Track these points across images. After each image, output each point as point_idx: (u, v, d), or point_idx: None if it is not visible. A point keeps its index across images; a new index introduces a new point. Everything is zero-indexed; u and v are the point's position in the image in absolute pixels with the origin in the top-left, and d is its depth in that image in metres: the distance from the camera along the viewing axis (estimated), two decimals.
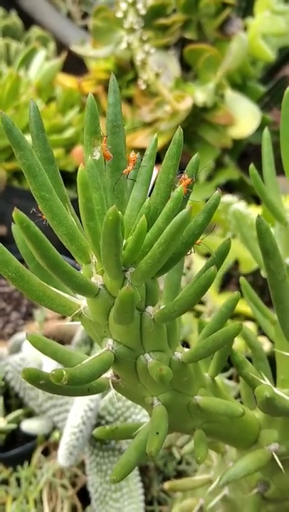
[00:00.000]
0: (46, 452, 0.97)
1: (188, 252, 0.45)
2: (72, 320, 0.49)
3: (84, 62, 1.58)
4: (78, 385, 0.43)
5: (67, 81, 1.48)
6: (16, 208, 0.35)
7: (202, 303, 1.12)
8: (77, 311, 0.46)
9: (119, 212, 0.38)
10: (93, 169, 0.41)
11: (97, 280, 0.44)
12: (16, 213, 0.35)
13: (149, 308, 0.46)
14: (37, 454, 0.95)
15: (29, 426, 0.94)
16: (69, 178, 1.38)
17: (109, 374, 0.50)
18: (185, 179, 0.43)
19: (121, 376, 0.50)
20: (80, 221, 0.44)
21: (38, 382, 0.42)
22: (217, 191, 0.42)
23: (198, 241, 0.45)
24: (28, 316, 1.19)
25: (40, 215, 0.44)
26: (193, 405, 0.52)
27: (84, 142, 0.43)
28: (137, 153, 0.46)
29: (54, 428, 0.96)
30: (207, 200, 0.44)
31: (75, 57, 1.53)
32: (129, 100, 1.44)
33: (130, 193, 0.45)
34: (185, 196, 0.43)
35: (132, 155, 0.44)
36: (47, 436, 0.96)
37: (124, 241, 0.43)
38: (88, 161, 0.41)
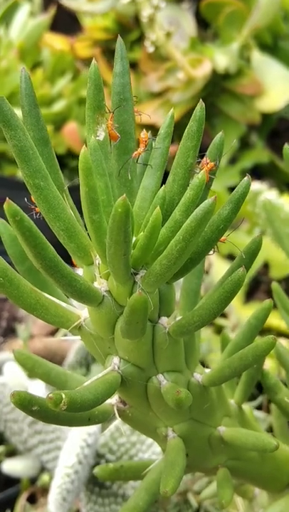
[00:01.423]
0: (32, 499, 0.98)
1: (211, 252, 0.46)
2: (65, 335, 0.50)
3: (77, 19, 1.60)
4: (79, 412, 0.44)
5: (57, 42, 1.50)
6: (8, 200, 0.37)
7: (224, 315, 1.14)
8: (76, 323, 0.47)
9: (129, 203, 0.39)
10: (97, 152, 0.42)
11: (101, 285, 0.45)
12: (8, 205, 0.37)
13: (164, 320, 0.47)
14: (21, 502, 0.96)
15: (12, 467, 0.96)
16: (60, 163, 1.40)
17: (114, 400, 0.52)
18: (207, 163, 0.45)
19: (129, 402, 0.51)
20: (81, 214, 0.45)
21: (30, 409, 0.43)
22: (246, 177, 0.44)
23: (223, 238, 0.47)
24: (10, 332, 1.20)
25: (32, 206, 0.45)
26: (216, 438, 0.53)
27: (86, 120, 0.44)
28: (149, 131, 0.47)
29: (42, 469, 0.97)
30: (230, 188, 0.45)
31: (67, 13, 1.55)
32: (133, 66, 1.45)
33: (141, 181, 0.47)
34: (207, 184, 0.45)
35: (144, 134, 0.45)
36: (33, 480, 0.97)
37: (134, 238, 0.45)
38: (91, 143, 0.43)
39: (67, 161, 1.38)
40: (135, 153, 0.46)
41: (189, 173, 0.44)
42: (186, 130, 0.43)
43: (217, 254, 1.22)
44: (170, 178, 0.45)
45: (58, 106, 1.37)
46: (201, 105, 0.42)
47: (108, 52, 1.49)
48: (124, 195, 0.38)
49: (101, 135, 0.44)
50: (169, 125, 0.45)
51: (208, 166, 0.44)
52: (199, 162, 0.45)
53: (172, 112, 0.45)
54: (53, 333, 1.15)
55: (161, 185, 0.45)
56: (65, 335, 1.14)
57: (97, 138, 0.44)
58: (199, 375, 0.51)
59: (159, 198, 0.44)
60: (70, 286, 0.42)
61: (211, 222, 0.44)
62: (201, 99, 0.42)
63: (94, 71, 0.44)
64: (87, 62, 1.51)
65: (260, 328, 0.53)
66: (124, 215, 0.37)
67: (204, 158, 0.46)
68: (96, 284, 0.46)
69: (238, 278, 0.42)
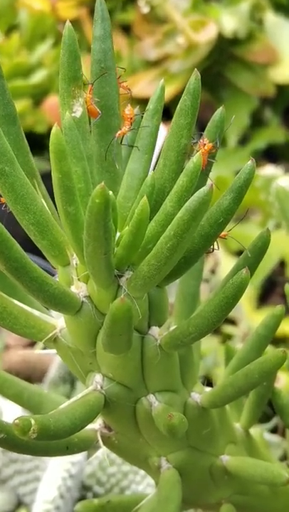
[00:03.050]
0: None
1: (210, 249, 0.45)
2: (45, 347, 0.50)
3: None
4: (53, 440, 0.44)
5: (36, 1, 1.49)
6: None
7: (233, 322, 1.13)
8: (51, 335, 0.47)
9: (111, 193, 0.38)
10: (73, 131, 0.42)
11: (79, 290, 0.45)
12: None
13: (154, 330, 0.47)
14: None
15: None
16: (39, 143, 1.39)
17: (97, 424, 0.51)
18: (204, 144, 0.44)
19: (114, 427, 0.51)
20: (55, 205, 0.45)
21: None
22: (250, 161, 0.43)
23: (224, 233, 0.46)
24: None
25: None
26: (219, 469, 0.53)
27: (60, 92, 0.44)
28: (136, 107, 0.47)
29: (19, 504, 0.97)
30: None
31: None
32: (126, 29, 1.45)
33: (126, 165, 0.46)
34: (204, 169, 0.44)
35: (128, 110, 0.45)
36: None
37: (118, 233, 0.44)
38: (66, 120, 0.42)
39: (47, 141, 1.37)
40: (119, 132, 0.45)
41: (183, 157, 0.44)
42: (178, 105, 0.43)
43: (225, 250, 1.22)
44: (160, 162, 0.45)
45: (38, 77, 1.37)
46: (196, 75, 0.41)
47: None
48: (103, 182, 0.37)
49: (78, 111, 0.44)
50: (158, 99, 0.45)
51: (206, 147, 0.44)
52: (196, 143, 0.45)
53: (162, 83, 0.44)
54: (32, 345, 1.15)
55: (151, 171, 0.45)
56: (45, 348, 1.14)
57: (73, 114, 0.44)
58: (198, 395, 0.51)
59: (147, 186, 0.43)
60: (41, 291, 0.41)
61: (209, 215, 0.43)
62: (196, 70, 0.41)
63: (68, 34, 0.43)
64: (71, 24, 1.50)
65: (270, 338, 0.53)
66: (104, 207, 0.37)
67: (202, 139, 0.45)
68: (73, 289, 0.45)
69: (240, 281, 0.41)
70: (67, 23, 0.42)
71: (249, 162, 0.43)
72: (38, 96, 1.37)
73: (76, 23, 1.47)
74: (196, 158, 0.40)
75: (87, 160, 0.44)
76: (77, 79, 0.44)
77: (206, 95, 1.39)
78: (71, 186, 0.40)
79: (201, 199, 0.38)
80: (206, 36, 1.29)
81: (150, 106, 0.45)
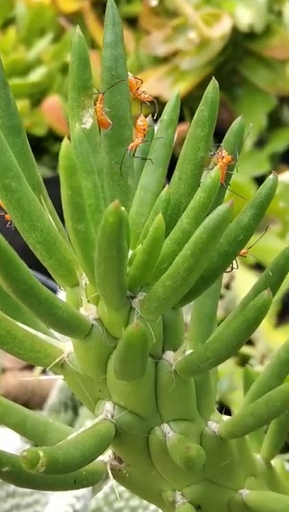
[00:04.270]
0: None
1: (229, 269, 0.47)
2: (44, 371, 0.51)
3: None
4: (62, 474, 0.45)
5: None
6: None
7: (250, 342, 1.14)
8: (58, 360, 0.48)
9: (124, 209, 0.39)
10: (83, 144, 0.43)
11: (88, 312, 0.46)
12: None
13: (169, 355, 0.48)
14: None
15: None
16: (38, 147, 1.41)
17: (107, 456, 0.52)
18: (223, 157, 0.45)
19: (125, 459, 0.52)
20: (63, 222, 0.46)
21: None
22: (272, 175, 0.44)
23: (244, 251, 0.47)
24: None
25: (1, 213, 0.46)
26: (238, 504, 0.53)
27: (69, 103, 0.45)
28: (147, 117, 0.48)
29: None
30: (257, 179, 0.46)
31: None
32: (132, 22, 1.46)
33: (139, 179, 0.47)
34: (224, 184, 0.45)
35: (141, 121, 0.46)
36: None
37: (131, 252, 0.45)
38: (76, 132, 0.43)
39: (47, 144, 1.39)
40: (132, 144, 0.46)
41: (200, 170, 0.45)
42: (195, 116, 0.44)
43: (241, 264, 1.22)
44: (176, 175, 0.46)
45: (36, 75, 1.38)
46: (213, 84, 0.43)
47: (100, 4, 1.50)
48: (117, 199, 0.38)
49: (88, 122, 0.45)
50: (174, 108, 0.46)
51: (225, 160, 0.45)
52: (213, 155, 0.46)
53: (178, 91, 0.45)
54: (29, 367, 1.16)
55: (165, 185, 0.46)
56: (44, 371, 1.15)
57: (83, 126, 0.45)
58: (215, 424, 0.51)
59: (162, 202, 0.44)
60: (49, 314, 0.42)
61: (228, 232, 0.45)
62: (214, 79, 0.42)
63: (78, 41, 0.44)
64: (72, 18, 1.52)
65: None
66: (117, 226, 0.38)
67: (219, 150, 0.46)
68: (82, 311, 0.46)
69: (262, 303, 0.42)
70: (77, 30, 0.44)
71: (271, 176, 0.44)
72: (37, 96, 1.38)
73: (78, 15, 1.49)
74: (214, 173, 0.41)
75: (98, 174, 0.45)
76: (88, 88, 0.45)
77: (220, 94, 1.39)
78: (81, 203, 0.41)
79: (221, 216, 0.39)
80: (220, 30, 1.30)
81: (164, 116, 0.46)
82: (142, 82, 0.47)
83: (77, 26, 0.45)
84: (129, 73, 0.47)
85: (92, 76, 0.46)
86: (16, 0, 1.47)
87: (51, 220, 0.46)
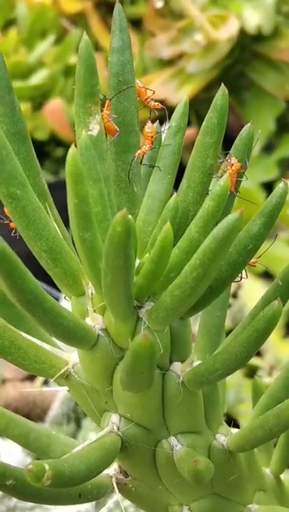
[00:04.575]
0: None
1: (238, 278, 0.47)
2: (46, 382, 0.51)
3: None
4: (66, 488, 0.45)
5: None
6: None
7: (258, 353, 1.14)
8: (63, 371, 0.48)
9: (131, 218, 0.40)
10: (90, 151, 0.43)
11: (94, 322, 0.46)
12: None
13: (177, 366, 0.48)
14: None
15: None
16: (40, 152, 1.41)
17: (112, 470, 0.52)
18: (232, 164, 0.45)
19: (131, 473, 0.52)
20: (67, 229, 0.46)
21: (3, 483, 0.44)
22: (282, 183, 0.44)
23: (253, 260, 0.47)
24: None
25: (5, 221, 0.46)
26: None
27: (75, 110, 0.45)
28: (154, 123, 0.48)
29: None
30: (265, 185, 0.46)
31: None
32: (137, 23, 1.46)
33: (146, 187, 0.47)
34: (233, 192, 0.45)
35: (149, 128, 0.46)
36: None
37: (138, 261, 0.46)
38: (82, 139, 0.44)
39: (49, 148, 1.39)
40: (139, 151, 0.47)
41: (209, 178, 0.45)
42: (204, 123, 0.44)
43: (248, 272, 1.22)
44: (184, 183, 0.46)
45: (38, 77, 1.38)
46: (223, 91, 0.43)
47: (103, 5, 1.50)
48: (125, 207, 0.38)
49: (94, 129, 0.45)
50: (182, 115, 0.46)
51: (234, 167, 0.45)
52: (222, 162, 0.46)
53: (186, 98, 0.46)
54: (30, 378, 1.16)
55: (173, 193, 0.46)
56: (46, 382, 1.15)
57: (90, 133, 0.45)
58: (224, 437, 0.52)
59: (170, 210, 0.45)
60: (55, 324, 0.43)
61: (237, 241, 0.45)
62: (223, 86, 0.43)
63: (85, 47, 0.44)
64: (75, 19, 1.52)
65: None
66: (125, 236, 0.38)
67: (228, 157, 0.46)
68: (88, 321, 0.46)
69: (271, 313, 0.42)
70: (85, 37, 0.44)
71: (281, 184, 0.44)
72: (38, 99, 1.38)
73: (80, 16, 1.49)
74: (223, 181, 0.41)
75: (104, 181, 0.45)
76: (94, 95, 0.45)
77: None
78: (88, 212, 0.41)
79: (231, 226, 0.39)
80: (227, 32, 1.30)
81: (173, 123, 0.46)
82: (153, 93, 0.47)
83: (84, 32, 0.45)
84: (138, 81, 0.47)
85: (99, 81, 0.46)
86: (16, 0, 1.48)
87: (57, 228, 0.46)
